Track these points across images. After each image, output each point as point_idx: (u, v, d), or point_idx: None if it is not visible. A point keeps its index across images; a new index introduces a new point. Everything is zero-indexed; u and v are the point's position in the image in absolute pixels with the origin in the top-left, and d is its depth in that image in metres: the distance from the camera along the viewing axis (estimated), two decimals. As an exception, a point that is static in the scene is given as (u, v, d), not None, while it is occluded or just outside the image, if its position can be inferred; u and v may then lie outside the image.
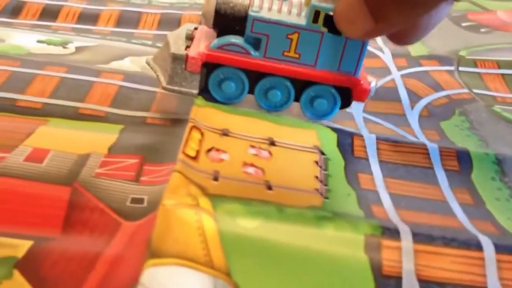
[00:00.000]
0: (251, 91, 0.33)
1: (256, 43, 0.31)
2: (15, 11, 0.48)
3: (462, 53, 0.47)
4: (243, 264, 0.22)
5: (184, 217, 0.23)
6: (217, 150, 0.29)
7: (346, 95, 0.32)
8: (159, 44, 0.45)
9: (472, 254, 0.24)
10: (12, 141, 0.30)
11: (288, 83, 0.32)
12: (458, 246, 0.24)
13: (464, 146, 0.33)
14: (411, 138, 0.34)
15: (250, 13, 0.30)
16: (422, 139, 0.34)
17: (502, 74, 0.44)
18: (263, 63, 0.31)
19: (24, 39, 0.43)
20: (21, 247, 0.23)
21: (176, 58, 0.32)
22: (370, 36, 0.27)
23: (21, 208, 0.25)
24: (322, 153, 0.31)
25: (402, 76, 0.43)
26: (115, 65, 0.40)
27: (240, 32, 0.31)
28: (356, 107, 0.38)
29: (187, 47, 0.32)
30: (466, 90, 0.42)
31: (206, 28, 0.33)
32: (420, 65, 0.45)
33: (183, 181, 0.26)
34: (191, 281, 0.21)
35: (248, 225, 0.24)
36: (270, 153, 0.30)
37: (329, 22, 0.30)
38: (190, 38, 0.33)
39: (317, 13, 0.30)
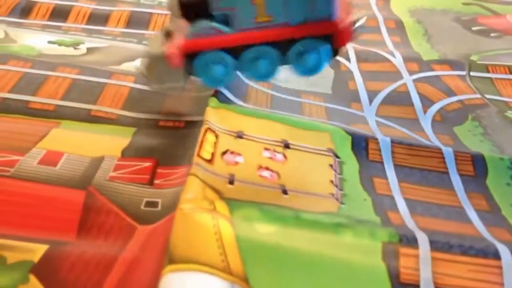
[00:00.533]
0: (238, 68, 0.32)
1: (225, 20, 0.31)
2: (24, 12, 0.48)
3: (473, 58, 0.47)
4: (261, 270, 0.22)
5: (201, 221, 0.23)
6: (232, 152, 0.29)
7: (331, 42, 0.31)
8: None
9: (490, 263, 0.24)
10: (25, 143, 0.30)
11: (269, 48, 0.31)
12: (475, 255, 0.24)
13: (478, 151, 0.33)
14: (426, 142, 0.34)
15: None
16: (436, 143, 0.34)
17: (514, 80, 0.44)
18: (239, 36, 0.31)
19: (35, 39, 0.43)
20: (37, 251, 0.23)
21: (156, 58, 0.32)
22: None
23: (35, 212, 0.25)
24: (337, 156, 0.31)
25: (414, 80, 0.43)
26: (126, 66, 0.40)
27: (208, 15, 0.30)
28: (368, 111, 0.38)
29: (165, 45, 0.32)
30: (478, 96, 0.41)
31: (182, 23, 0.32)
32: (432, 69, 0.45)
33: (199, 185, 0.26)
34: (209, 287, 0.21)
35: (265, 230, 0.24)
36: (284, 156, 0.30)
37: None
38: (168, 35, 0.33)
39: None
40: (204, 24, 0.30)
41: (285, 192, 0.27)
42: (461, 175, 0.31)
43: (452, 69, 0.45)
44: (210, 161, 0.28)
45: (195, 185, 0.25)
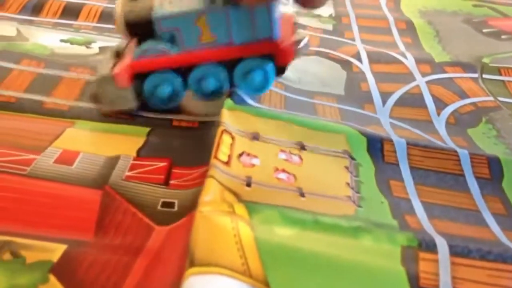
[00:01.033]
0: (187, 88, 0.32)
1: (171, 40, 0.31)
2: (36, 9, 0.48)
3: (485, 60, 0.47)
4: (281, 273, 0.22)
5: (221, 224, 0.23)
6: (248, 154, 0.29)
7: (274, 61, 0.32)
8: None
9: (509, 268, 0.24)
10: (41, 142, 0.29)
11: (217, 68, 0.32)
12: (494, 259, 0.24)
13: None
14: (441, 144, 0.34)
15: (153, 14, 0.30)
16: (451, 146, 0.34)
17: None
18: (185, 56, 0.31)
19: (48, 38, 0.43)
20: (56, 251, 0.23)
21: (104, 80, 0.32)
22: (262, 1, 0.28)
23: (52, 211, 0.25)
24: (352, 158, 0.31)
25: (427, 82, 0.42)
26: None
27: (155, 35, 0.31)
28: (382, 113, 0.38)
29: (113, 65, 0.32)
30: (491, 98, 0.41)
31: (131, 43, 0.33)
32: (444, 71, 0.44)
33: (217, 187, 0.25)
34: (229, 290, 0.21)
35: (284, 233, 0.23)
36: (300, 158, 0.30)
37: None
38: (117, 55, 0.33)
39: None
40: (150, 44, 0.31)
41: (302, 194, 0.27)
42: (477, 178, 0.31)
43: (465, 72, 0.45)
44: (227, 163, 0.28)
45: (214, 188, 0.25)
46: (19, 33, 0.43)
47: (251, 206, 0.24)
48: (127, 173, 0.28)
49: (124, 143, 0.31)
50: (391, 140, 0.32)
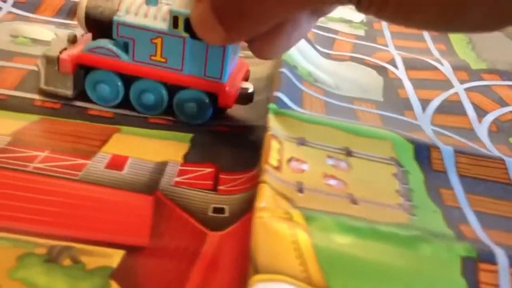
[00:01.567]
0: (127, 95, 0.33)
1: (125, 47, 0.32)
2: (71, 13, 0.48)
3: (522, 67, 0.47)
4: (341, 282, 0.22)
5: (279, 231, 0.23)
6: (297, 160, 0.29)
7: (215, 100, 0.32)
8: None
9: None
10: (90, 147, 0.29)
11: (160, 86, 0.32)
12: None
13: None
14: (487, 152, 0.33)
15: (115, 17, 0.31)
16: (498, 154, 0.33)
17: None
18: (132, 66, 0.32)
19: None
20: (115, 256, 0.23)
21: (49, 60, 0.32)
22: (225, 43, 0.29)
23: (107, 216, 0.25)
24: (400, 165, 0.30)
25: (465, 89, 0.42)
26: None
27: (110, 37, 0.32)
28: (423, 120, 0.38)
29: (64, 49, 0.32)
30: (531, 106, 0.41)
31: (88, 35, 0.33)
32: (481, 79, 0.44)
33: (271, 193, 0.25)
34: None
35: (343, 241, 0.23)
36: (348, 164, 0.30)
37: (190, 27, 0.29)
38: (72, 41, 0.33)
39: (175, 18, 0.30)
40: (103, 43, 0.32)
41: (354, 201, 0.27)
42: (525, 187, 0.30)
43: (502, 79, 0.45)
44: (278, 168, 0.27)
45: (268, 193, 0.25)
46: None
47: (307, 213, 0.24)
48: (176, 179, 0.28)
49: (170, 149, 0.31)
50: (437, 148, 0.32)
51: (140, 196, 0.27)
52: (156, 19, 0.31)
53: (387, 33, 0.53)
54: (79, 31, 0.34)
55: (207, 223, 0.26)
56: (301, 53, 0.42)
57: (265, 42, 0.28)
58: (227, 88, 0.32)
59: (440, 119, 0.38)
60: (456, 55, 0.50)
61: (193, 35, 0.30)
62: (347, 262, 0.22)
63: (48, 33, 0.43)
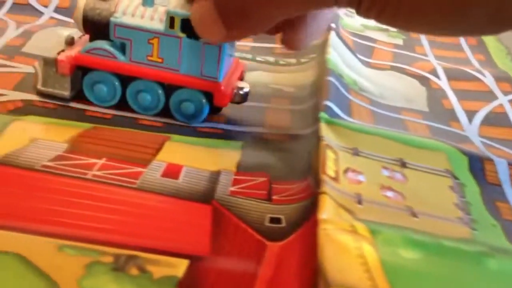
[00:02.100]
0: (124, 95, 0.33)
1: (122, 48, 0.32)
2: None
3: None
4: (410, 296, 0.21)
5: (345, 243, 0.23)
6: (353, 171, 0.29)
7: (211, 99, 0.33)
8: (259, 58, 0.45)
9: None
10: (144, 155, 0.29)
11: (156, 87, 0.33)
12: None
13: None
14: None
15: (112, 19, 0.31)
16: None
17: None
18: (129, 67, 0.32)
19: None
20: (180, 266, 0.22)
21: (47, 61, 0.33)
22: (226, 40, 0.29)
23: (168, 225, 0.25)
24: (455, 178, 0.30)
25: (509, 101, 0.42)
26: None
27: (107, 38, 0.32)
28: (470, 131, 0.37)
29: (62, 51, 0.33)
30: None
31: (85, 36, 0.34)
32: (525, 90, 0.44)
33: (332, 204, 0.25)
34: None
35: (409, 256, 0.23)
36: (404, 176, 0.29)
37: (186, 28, 0.30)
38: (69, 43, 0.34)
39: (172, 19, 0.31)
40: (100, 44, 0.32)
41: (414, 214, 0.26)
42: None
43: (545, 91, 0.44)
44: (335, 179, 0.27)
45: (329, 204, 0.25)
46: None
47: (371, 226, 0.24)
48: (231, 188, 0.28)
49: (222, 157, 0.31)
50: (491, 160, 0.31)
51: (198, 205, 0.26)
52: (152, 19, 0.32)
53: (425, 42, 0.53)
54: (77, 33, 0.34)
55: (264, 233, 0.25)
56: (345, 62, 0.42)
57: (292, 35, 0.29)
58: (222, 88, 0.32)
59: (487, 131, 0.37)
60: (496, 65, 0.49)
61: (190, 35, 0.31)
62: (415, 278, 0.22)
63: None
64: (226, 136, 0.33)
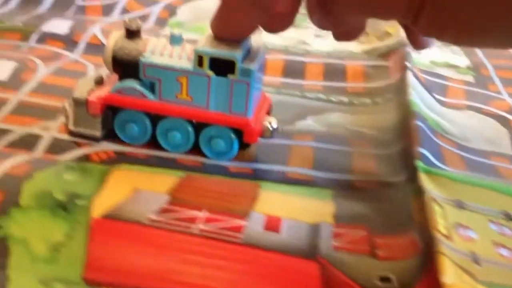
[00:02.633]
0: (154, 133, 0.33)
1: (152, 87, 0.32)
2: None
3: None
4: None
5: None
6: (462, 226, 0.27)
7: (241, 136, 0.32)
8: (333, 98, 0.44)
9: None
10: (241, 206, 0.29)
11: (186, 124, 0.32)
12: None
13: None
14: None
15: (141, 59, 0.32)
16: None
17: None
18: (159, 105, 0.32)
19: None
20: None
21: (77, 102, 0.33)
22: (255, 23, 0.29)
23: (278, 284, 0.24)
24: None
25: None
26: (304, 125, 0.39)
27: (137, 77, 0.32)
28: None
29: (91, 91, 0.33)
30: None
31: (114, 76, 0.34)
32: None
33: (452, 266, 0.24)
34: None
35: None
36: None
37: (214, 66, 0.30)
38: (98, 82, 0.33)
39: (200, 58, 0.31)
40: (130, 84, 0.32)
41: (535, 275, 0.25)
42: None
43: None
44: (448, 237, 0.26)
45: (450, 267, 0.24)
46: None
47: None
48: (334, 243, 0.27)
49: (317, 208, 0.30)
50: None
51: (304, 262, 0.26)
52: (181, 58, 0.32)
53: (496, 79, 0.51)
54: (105, 71, 0.34)
55: (377, 294, 0.24)
56: (424, 102, 0.41)
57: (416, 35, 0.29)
58: (252, 124, 0.32)
59: None
60: None
61: (218, 73, 0.31)
62: None
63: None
64: (315, 183, 0.32)
